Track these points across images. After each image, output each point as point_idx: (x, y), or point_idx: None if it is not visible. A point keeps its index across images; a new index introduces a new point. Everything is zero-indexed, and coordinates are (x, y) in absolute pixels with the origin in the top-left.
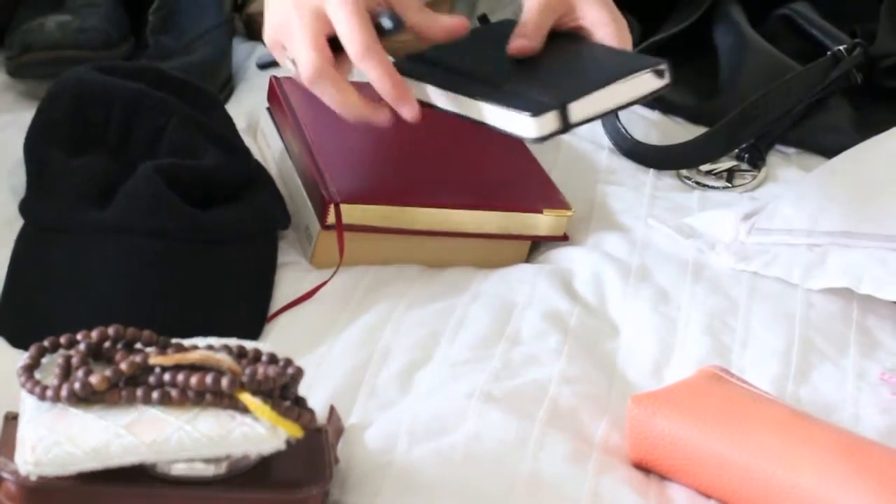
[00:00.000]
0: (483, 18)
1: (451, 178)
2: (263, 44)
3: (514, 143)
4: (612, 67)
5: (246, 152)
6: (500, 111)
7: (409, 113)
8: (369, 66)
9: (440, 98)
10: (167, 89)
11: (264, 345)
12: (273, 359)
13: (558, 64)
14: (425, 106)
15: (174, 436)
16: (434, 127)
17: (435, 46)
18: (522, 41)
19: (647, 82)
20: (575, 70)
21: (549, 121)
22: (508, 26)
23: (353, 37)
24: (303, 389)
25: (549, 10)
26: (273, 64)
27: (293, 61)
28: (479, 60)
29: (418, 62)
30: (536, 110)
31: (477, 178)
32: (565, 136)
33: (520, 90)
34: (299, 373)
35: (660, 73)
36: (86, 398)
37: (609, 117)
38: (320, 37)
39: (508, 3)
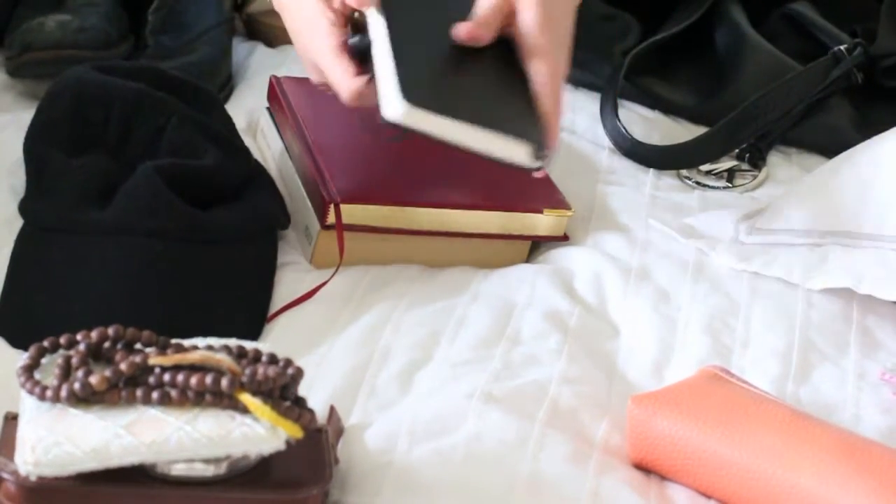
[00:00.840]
0: None
1: (450, 177)
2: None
3: None
4: (503, 118)
5: (246, 152)
6: (390, 70)
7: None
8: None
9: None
10: (167, 89)
11: (264, 345)
12: (273, 359)
13: (472, 75)
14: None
15: (174, 436)
16: None
17: None
18: (472, 28)
19: (517, 152)
20: (476, 91)
21: (413, 114)
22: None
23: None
24: (303, 389)
25: (499, 7)
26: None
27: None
28: (416, 27)
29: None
30: (411, 97)
31: (477, 177)
32: (565, 136)
33: (420, 70)
34: (299, 373)
35: (538, 156)
36: (85, 398)
37: (608, 119)
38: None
39: None
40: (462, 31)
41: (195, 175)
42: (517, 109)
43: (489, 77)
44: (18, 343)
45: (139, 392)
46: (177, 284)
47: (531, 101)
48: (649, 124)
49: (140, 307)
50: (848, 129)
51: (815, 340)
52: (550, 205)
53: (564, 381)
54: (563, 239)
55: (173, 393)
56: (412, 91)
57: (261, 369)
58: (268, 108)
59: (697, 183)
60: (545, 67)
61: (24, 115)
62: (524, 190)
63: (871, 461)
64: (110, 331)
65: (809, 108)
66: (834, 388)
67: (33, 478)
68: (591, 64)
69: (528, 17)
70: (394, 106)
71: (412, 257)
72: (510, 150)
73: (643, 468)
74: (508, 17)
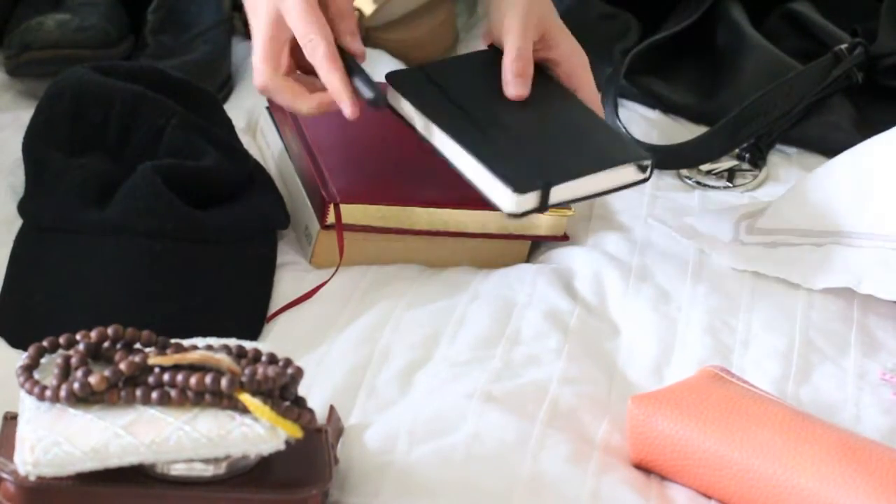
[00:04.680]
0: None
1: (451, 177)
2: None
3: None
4: (601, 152)
5: (244, 154)
6: (482, 171)
7: (348, 112)
8: (321, 66)
9: (425, 127)
10: (166, 90)
11: (264, 345)
12: (272, 359)
13: (545, 124)
14: (405, 125)
15: (173, 436)
16: None
17: (433, 63)
18: (519, 87)
19: (628, 174)
20: (562, 142)
21: (529, 200)
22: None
23: (307, 36)
24: (302, 389)
25: (530, 35)
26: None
27: None
28: (470, 91)
29: (412, 77)
30: (521, 187)
31: None
32: None
33: (506, 151)
34: (299, 373)
35: (643, 168)
36: (85, 398)
37: (609, 119)
38: (273, 43)
39: None
40: (511, 87)
41: (194, 175)
42: (597, 134)
43: (554, 118)
44: (18, 343)
45: (138, 392)
46: (176, 284)
47: (596, 117)
48: (649, 124)
49: (139, 307)
50: (848, 129)
51: (816, 340)
52: None
53: (565, 381)
54: (564, 239)
55: (173, 393)
56: (515, 181)
57: (260, 369)
58: (267, 108)
59: (698, 182)
60: (588, 84)
61: (23, 115)
62: None
63: (871, 461)
64: (110, 331)
65: (810, 108)
66: (834, 388)
67: (32, 478)
68: (591, 63)
69: (570, 44)
70: (507, 203)
71: (412, 257)
72: (622, 175)
73: (643, 468)
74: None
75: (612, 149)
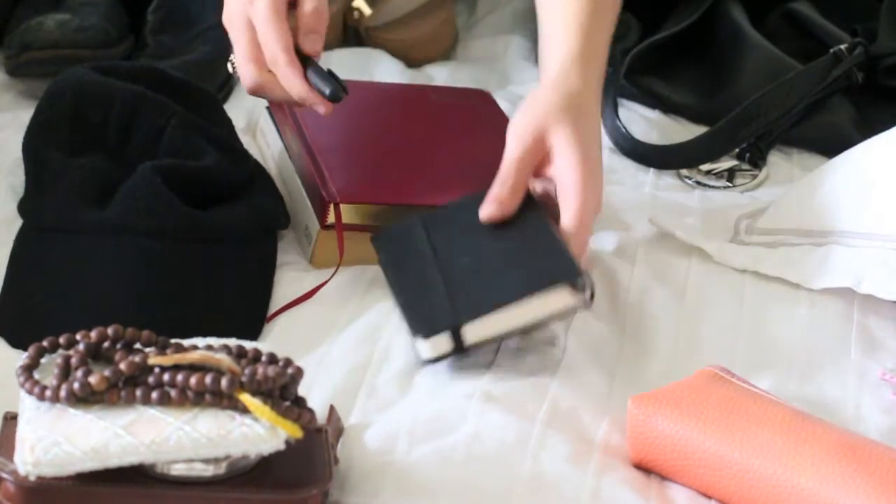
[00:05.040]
0: None
1: (451, 177)
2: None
3: None
4: (523, 280)
5: (244, 154)
6: (404, 321)
7: (322, 110)
8: (279, 73)
9: (386, 280)
10: (166, 90)
11: (264, 345)
12: (273, 359)
13: (490, 257)
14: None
15: (173, 436)
16: (434, 127)
17: (438, 209)
18: (491, 208)
19: (560, 299)
20: (491, 275)
21: (442, 343)
22: None
23: (266, 44)
24: (302, 389)
25: (525, 163)
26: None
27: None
28: (450, 232)
29: (398, 231)
30: (427, 331)
31: (477, 177)
32: None
33: (433, 297)
34: (299, 373)
35: (578, 288)
36: (85, 398)
37: (608, 119)
38: (253, 45)
39: (506, 2)
40: (483, 213)
41: (194, 175)
42: (535, 260)
43: (505, 249)
44: (18, 343)
45: (139, 392)
46: (176, 284)
47: (549, 239)
48: (649, 124)
49: (139, 307)
50: (848, 129)
51: (816, 340)
52: None
53: (565, 380)
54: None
55: (173, 393)
56: (421, 325)
57: (260, 369)
58: (267, 108)
59: (698, 182)
60: (571, 209)
61: (23, 115)
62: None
63: (871, 461)
64: (110, 331)
65: (810, 108)
66: (834, 388)
67: (32, 478)
68: None
69: (564, 162)
70: (421, 348)
71: None
72: (554, 301)
73: (643, 468)
74: (539, 165)
75: (538, 275)
